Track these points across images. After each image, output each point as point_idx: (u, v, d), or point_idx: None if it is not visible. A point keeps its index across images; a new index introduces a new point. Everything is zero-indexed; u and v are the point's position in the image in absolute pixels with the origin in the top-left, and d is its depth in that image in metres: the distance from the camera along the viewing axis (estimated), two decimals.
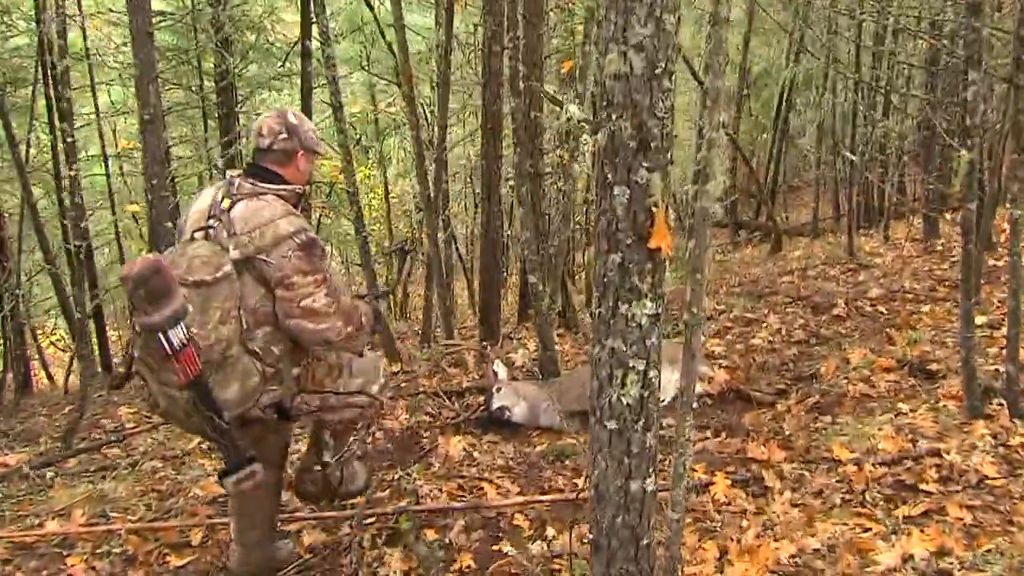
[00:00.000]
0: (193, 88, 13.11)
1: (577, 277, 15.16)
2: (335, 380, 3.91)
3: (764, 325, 7.89)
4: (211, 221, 3.51)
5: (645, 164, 2.17)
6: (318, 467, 4.19)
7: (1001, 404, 5.01)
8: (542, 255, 6.92)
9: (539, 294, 6.43)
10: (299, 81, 13.94)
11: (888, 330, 7.13)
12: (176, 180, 12.12)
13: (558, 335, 7.88)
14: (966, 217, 4.81)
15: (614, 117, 2.17)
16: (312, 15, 9.32)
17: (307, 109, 13.92)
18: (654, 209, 2.23)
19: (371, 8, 13.51)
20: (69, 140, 7.76)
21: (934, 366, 5.98)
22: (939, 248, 10.50)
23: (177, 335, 3.17)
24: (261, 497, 3.82)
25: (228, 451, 3.43)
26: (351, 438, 4.21)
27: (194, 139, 13.79)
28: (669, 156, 2.21)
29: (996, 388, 5.24)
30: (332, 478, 4.21)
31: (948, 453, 4.52)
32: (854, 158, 9.22)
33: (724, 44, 2.39)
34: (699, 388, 6.17)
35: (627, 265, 2.27)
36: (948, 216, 11.64)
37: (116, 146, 14.97)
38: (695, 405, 6.07)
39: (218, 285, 3.34)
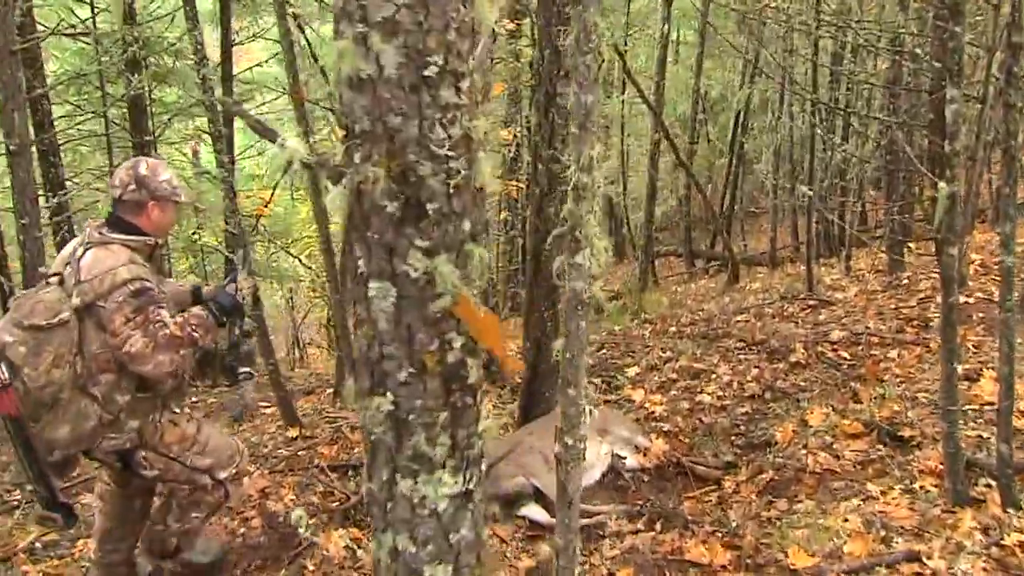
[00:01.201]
0: (99, 114, 12.07)
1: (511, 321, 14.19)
2: (184, 449, 3.94)
3: (714, 377, 7.00)
4: (66, 268, 3.70)
5: (420, 242, 1.24)
6: (159, 525, 4.14)
7: (989, 485, 4.16)
8: None
9: None
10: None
11: (853, 383, 6.26)
12: (75, 214, 11.04)
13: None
14: (947, 264, 3.94)
15: (358, 157, 1.24)
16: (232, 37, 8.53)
17: (230, 136, 13.00)
18: (477, 314, 1.31)
19: (301, 30, 12.49)
20: None
21: (907, 431, 5.12)
22: (905, 282, 9.67)
23: None
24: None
25: (41, 493, 3.62)
26: (194, 514, 4.13)
27: (99, 171, 12.73)
28: (469, 224, 1.29)
29: (981, 463, 4.40)
30: (167, 541, 4.16)
31: (930, 557, 3.66)
32: (810, 192, 8.37)
33: (597, 33, 1.49)
34: (633, 462, 5.28)
35: (405, 416, 1.33)
36: (913, 247, 10.86)
37: None
38: (627, 480, 5.17)
39: (52, 331, 3.52)
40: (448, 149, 1.24)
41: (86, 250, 3.69)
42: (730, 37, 15.07)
